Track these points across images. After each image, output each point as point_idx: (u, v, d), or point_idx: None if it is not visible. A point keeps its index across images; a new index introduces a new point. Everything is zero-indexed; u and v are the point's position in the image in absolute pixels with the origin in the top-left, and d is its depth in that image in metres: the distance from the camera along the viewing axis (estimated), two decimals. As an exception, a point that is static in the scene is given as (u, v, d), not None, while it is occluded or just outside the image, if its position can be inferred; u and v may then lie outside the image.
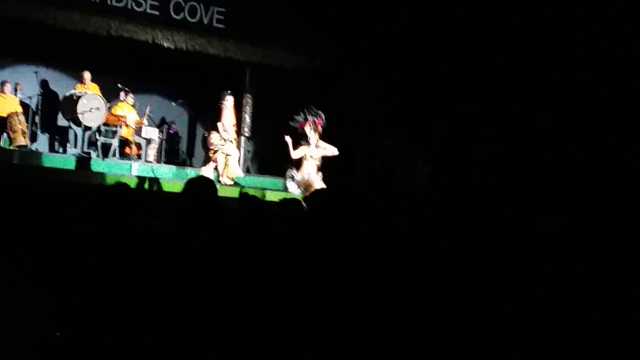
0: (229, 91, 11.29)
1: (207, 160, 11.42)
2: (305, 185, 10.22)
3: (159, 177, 10.87)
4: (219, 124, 11.09)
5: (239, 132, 12.85)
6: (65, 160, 11.16)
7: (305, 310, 2.79)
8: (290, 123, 10.51)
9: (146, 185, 9.99)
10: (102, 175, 10.43)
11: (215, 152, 10.91)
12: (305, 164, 10.48)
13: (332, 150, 10.59)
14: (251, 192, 7.01)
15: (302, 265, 3.09)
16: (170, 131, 13.57)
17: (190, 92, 13.66)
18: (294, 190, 10.21)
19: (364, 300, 2.85)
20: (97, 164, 11.24)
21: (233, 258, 3.20)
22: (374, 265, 3.28)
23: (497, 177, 10.61)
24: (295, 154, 10.43)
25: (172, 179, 11.21)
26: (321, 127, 10.50)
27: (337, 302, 2.81)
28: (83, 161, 11.24)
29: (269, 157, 13.18)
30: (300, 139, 10.42)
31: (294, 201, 4.78)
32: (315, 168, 10.53)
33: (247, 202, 4.58)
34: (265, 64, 12.81)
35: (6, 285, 1.43)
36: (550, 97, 10.51)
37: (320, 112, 10.51)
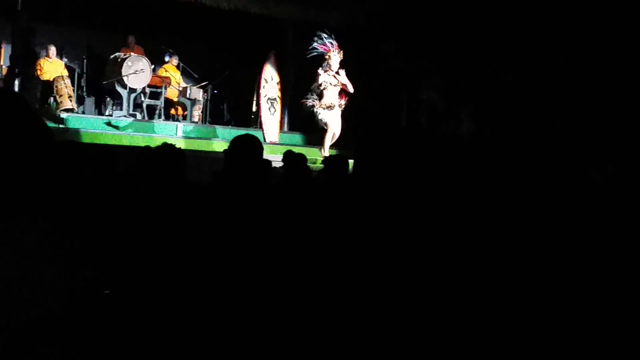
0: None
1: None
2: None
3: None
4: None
5: (283, 91, 12.79)
6: (112, 122, 11.29)
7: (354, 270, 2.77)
8: (314, 53, 10.44)
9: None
10: (147, 136, 10.52)
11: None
12: (326, 93, 10.33)
13: (349, 84, 10.38)
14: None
15: (345, 221, 3.06)
16: (215, 91, 13.58)
17: (234, 52, 13.62)
18: (325, 117, 10.23)
19: (414, 255, 2.81)
20: (143, 126, 11.33)
21: (278, 215, 3.19)
22: (422, 218, 3.24)
23: (544, 130, 10.39)
24: (319, 84, 10.32)
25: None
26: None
27: (384, 259, 2.77)
28: (129, 123, 11.35)
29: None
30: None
31: (338, 157, 4.76)
32: (337, 96, 10.39)
33: (291, 159, 4.57)
34: (307, 22, 12.69)
35: (52, 243, 1.43)
36: (597, 47, 10.20)
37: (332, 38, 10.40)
